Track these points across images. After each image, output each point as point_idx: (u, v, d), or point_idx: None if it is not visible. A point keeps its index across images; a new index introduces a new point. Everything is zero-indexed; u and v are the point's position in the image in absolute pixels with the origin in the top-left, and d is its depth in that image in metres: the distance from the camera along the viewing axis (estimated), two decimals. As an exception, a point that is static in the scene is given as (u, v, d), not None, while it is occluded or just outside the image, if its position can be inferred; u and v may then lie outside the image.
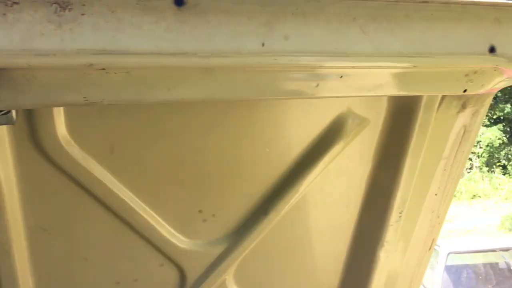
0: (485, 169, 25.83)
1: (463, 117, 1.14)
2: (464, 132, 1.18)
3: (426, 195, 1.26)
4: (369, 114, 1.08)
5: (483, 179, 25.38)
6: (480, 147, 26.64)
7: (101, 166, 0.93)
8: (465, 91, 0.89)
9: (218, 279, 1.18)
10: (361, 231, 1.26)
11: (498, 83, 0.93)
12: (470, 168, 26.88)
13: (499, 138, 25.49)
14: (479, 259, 6.99)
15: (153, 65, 0.65)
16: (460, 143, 1.19)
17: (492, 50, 0.81)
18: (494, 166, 25.41)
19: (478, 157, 26.76)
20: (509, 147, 25.29)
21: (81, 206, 0.98)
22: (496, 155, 25.80)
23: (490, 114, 19.20)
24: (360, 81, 0.82)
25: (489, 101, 1.14)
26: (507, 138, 25.01)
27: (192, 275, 1.16)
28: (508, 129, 25.24)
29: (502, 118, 25.37)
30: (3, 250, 0.94)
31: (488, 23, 0.79)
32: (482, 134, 26.60)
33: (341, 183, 1.20)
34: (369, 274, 1.32)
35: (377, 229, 1.24)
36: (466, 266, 6.78)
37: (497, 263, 6.52)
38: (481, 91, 0.92)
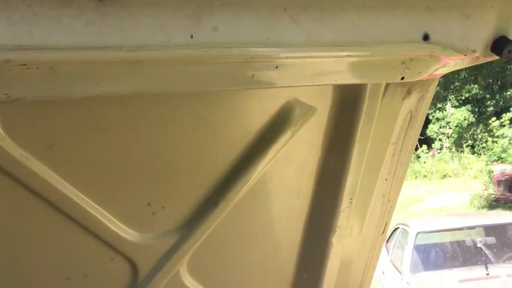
0: (455, 149, 26.47)
1: (409, 103, 1.16)
2: (410, 118, 1.20)
3: (376, 180, 1.28)
4: (315, 103, 1.08)
5: (452, 159, 26.03)
6: (450, 128, 27.24)
7: (40, 162, 0.91)
8: (402, 78, 0.90)
9: (171, 271, 1.18)
10: (313, 218, 1.28)
11: (436, 70, 0.94)
12: (440, 149, 27.48)
13: (466, 119, 26.07)
14: (447, 238, 7.18)
15: (76, 60, 0.63)
16: (407, 128, 1.21)
17: (426, 37, 0.82)
18: (463, 146, 26.04)
19: (448, 138, 27.36)
20: (476, 127, 25.91)
21: (23, 204, 0.95)
22: (465, 135, 26.43)
23: (459, 96, 19.60)
24: (296, 71, 0.82)
25: (434, 86, 1.16)
26: (475, 118, 25.60)
27: (144, 268, 1.15)
28: (476, 109, 25.81)
29: (470, 99, 25.92)
30: None
31: (420, 11, 0.80)
32: (452, 115, 27.18)
33: (291, 171, 1.20)
34: (323, 260, 1.34)
35: (328, 216, 1.26)
36: (434, 245, 6.96)
37: (464, 241, 6.71)
38: (419, 78, 0.93)
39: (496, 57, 0.90)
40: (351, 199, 1.23)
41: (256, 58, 0.75)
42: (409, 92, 1.13)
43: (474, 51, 0.88)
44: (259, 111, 1.06)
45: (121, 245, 1.09)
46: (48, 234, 1.02)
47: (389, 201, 1.35)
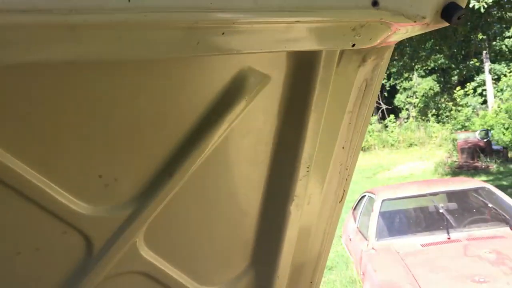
0: (421, 118, 27.05)
1: (364, 71, 1.16)
2: (366, 86, 1.20)
3: (333, 149, 1.29)
4: (270, 71, 1.06)
5: (419, 128, 26.63)
6: (416, 97, 27.75)
7: None
8: (353, 45, 0.89)
9: (127, 242, 1.16)
10: (271, 187, 1.28)
11: (388, 37, 0.94)
12: (407, 118, 28.05)
13: (432, 88, 26.57)
14: (411, 205, 7.40)
15: (2, 23, 0.59)
16: (363, 96, 1.21)
17: (375, 3, 0.81)
18: (429, 115, 26.63)
19: (414, 107, 27.89)
20: (441, 96, 26.46)
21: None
22: (430, 105, 27.00)
23: (425, 65, 19.87)
24: (244, 37, 0.79)
25: (389, 54, 1.15)
26: (440, 87, 26.13)
27: (99, 241, 1.13)
28: (442, 79, 26.32)
29: (436, 68, 26.37)
30: None
31: (370, -24, 0.78)
32: (418, 84, 27.65)
33: (248, 141, 1.19)
34: (282, 228, 1.35)
35: (286, 185, 1.26)
36: (398, 212, 7.17)
37: (427, 207, 6.93)
38: (370, 45, 0.92)
39: (446, 24, 0.90)
40: (308, 167, 1.24)
41: (200, 24, 0.72)
42: (364, 60, 1.13)
43: (423, 18, 0.87)
44: (212, 80, 1.04)
45: (72, 218, 1.06)
46: None
47: (347, 169, 1.36)
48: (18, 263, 1.08)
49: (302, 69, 1.08)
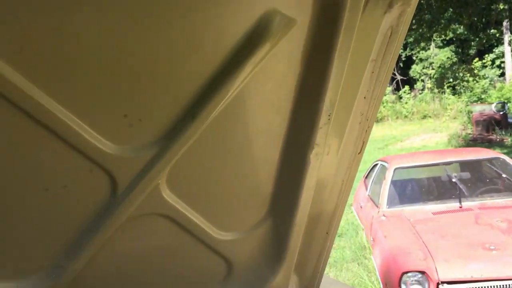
0: (436, 90, 26.68)
1: (390, 18, 1.14)
2: (391, 33, 1.19)
3: (355, 98, 1.29)
4: (295, 14, 1.06)
5: (433, 100, 26.31)
6: (432, 69, 27.29)
7: (10, 67, 0.88)
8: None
9: (150, 184, 1.19)
10: (292, 135, 1.29)
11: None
12: (422, 90, 27.67)
13: (450, 59, 26.08)
14: (423, 174, 7.39)
15: None
16: (387, 44, 1.20)
17: None
18: (445, 87, 26.24)
19: (430, 78, 27.47)
20: (458, 68, 25.98)
21: (-4, 112, 0.93)
22: (447, 76, 26.57)
23: (443, 35, 19.46)
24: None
25: (415, 1, 1.14)
26: (458, 58, 25.64)
27: (123, 181, 1.16)
28: (460, 50, 25.79)
29: (454, 39, 25.81)
30: None
31: None
32: (435, 55, 27.16)
33: (270, 87, 1.19)
34: (301, 177, 1.36)
35: (307, 133, 1.27)
36: (411, 180, 7.17)
37: (439, 177, 6.92)
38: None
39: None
40: (329, 115, 1.24)
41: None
42: (390, 6, 1.12)
43: None
44: (237, 21, 1.04)
45: (99, 157, 1.08)
46: (23, 144, 1.01)
47: (367, 120, 1.37)
48: (45, 199, 1.11)
49: (328, 14, 1.07)
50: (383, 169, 7.24)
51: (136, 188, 1.18)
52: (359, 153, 1.45)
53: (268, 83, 1.19)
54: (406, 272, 4.60)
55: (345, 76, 1.19)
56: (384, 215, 6.11)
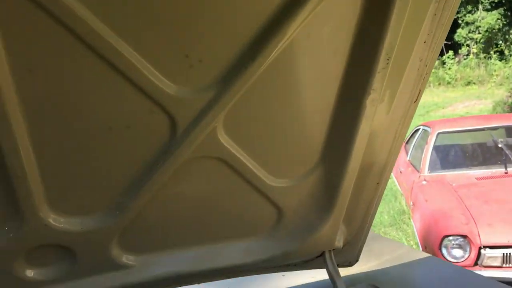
0: (482, 55, 25.60)
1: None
2: (456, -28, 1.14)
3: (415, 42, 1.25)
4: None
5: (478, 66, 25.30)
6: (479, 33, 26.13)
7: (81, 4, 0.90)
8: None
9: (208, 126, 1.21)
10: (348, 79, 1.27)
11: None
12: (467, 55, 26.61)
13: (498, 21, 24.88)
14: (467, 139, 7.21)
15: None
16: (452, -16, 1.16)
17: None
18: (491, 52, 25.15)
19: (476, 43, 26.35)
20: (507, 32, 24.77)
21: (65, 46, 0.96)
22: (494, 41, 25.41)
23: (492, -3, 18.52)
24: None
25: None
26: (507, 22, 24.42)
27: (182, 123, 1.18)
28: (509, 13, 24.52)
29: (503, 1, 24.52)
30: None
31: None
32: (482, 18, 25.93)
33: (328, 30, 1.18)
34: (355, 124, 1.35)
35: (364, 77, 1.25)
36: (454, 145, 7.01)
37: (485, 142, 6.73)
38: None
39: None
40: (388, 59, 1.22)
41: None
42: None
43: None
44: None
45: (160, 97, 1.11)
46: (90, 81, 1.04)
47: (426, 66, 1.33)
48: (109, 138, 1.15)
49: None
50: (426, 133, 7.09)
51: (194, 130, 1.20)
52: (414, 101, 1.43)
53: (326, 25, 1.17)
54: (448, 236, 4.56)
55: (406, 18, 1.16)
56: (425, 180, 6.03)
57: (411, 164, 7.16)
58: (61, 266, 1.36)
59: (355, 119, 1.35)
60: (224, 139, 1.28)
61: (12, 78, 0.96)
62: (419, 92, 1.42)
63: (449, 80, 24.92)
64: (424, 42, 1.27)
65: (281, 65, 1.19)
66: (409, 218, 6.56)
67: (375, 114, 1.36)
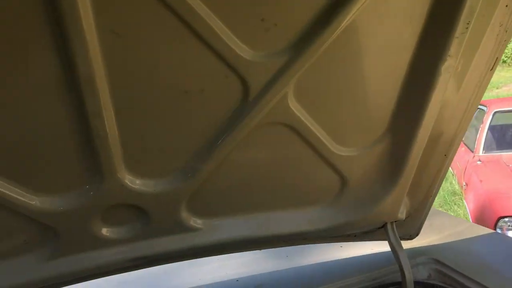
0: (542, 32, 24.23)
1: None
2: None
3: (497, 5, 1.20)
4: None
5: (537, 43, 23.99)
6: (539, 8, 24.66)
7: None
8: None
9: (279, 92, 1.21)
10: (423, 45, 1.23)
11: None
12: (525, 32, 25.22)
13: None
14: (525, 119, 6.90)
15: None
16: None
17: None
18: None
19: (536, 19, 24.91)
20: None
21: (147, 10, 0.98)
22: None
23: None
24: None
25: None
26: None
27: (254, 87, 1.18)
28: None
29: None
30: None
31: None
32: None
33: (406, -8, 1.14)
34: (428, 92, 1.32)
35: (441, 42, 1.21)
36: (510, 126, 6.73)
37: (545, 122, 6.42)
38: None
39: None
40: (468, 23, 1.17)
41: None
42: None
43: None
44: None
45: (235, 61, 1.11)
46: (169, 44, 1.06)
47: (506, 32, 1.28)
48: (185, 102, 1.17)
49: None
50: (481, 112, 6.82)
51: (266, 95, 1.21)
52: (491, 69, 1.37)
53: None
54: (503, 217, 4.42)
55: None
56: (480, 160, 5.84)
57: (465, 144, 6.93)
58: (135, 226, 1.42)
59: (428, 87, 1.31)
60: (294, 105, 1.28)
61: (98, 40, 0.99)
62: (496, 60, 1.36)
63: (505, 59, 23.77)
64: (506, 6, 1.21)
65: (355, 31, 1.17)
66: (461, 199, 6.38)
67: (448, 83, 1.32)
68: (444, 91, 1.33)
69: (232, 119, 1.24)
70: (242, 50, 1.11)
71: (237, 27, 1.07)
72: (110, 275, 1.53)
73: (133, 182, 1.28)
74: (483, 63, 1.35)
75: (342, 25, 1.12)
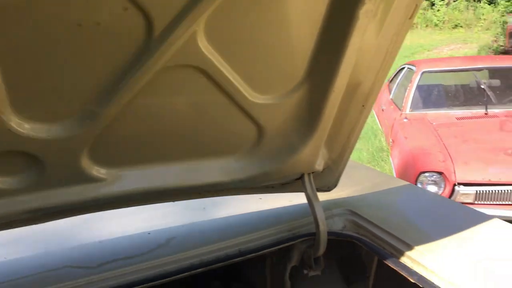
0: (472, -3, 25.18)
1: None
2: None
3: None
4: None
5: (467, 9, 24.94)
6: (471, -26, 25.53)
7: None
8: None
9: (188, 30, 1.10)
10: (341, -13, 1.17)
11: None
12: (457, -3, 26.12)
13: (492, -38, 24.31)
14: (451, 80, 7.19)
15: None
16: None
17: None
18: (482, -5, 24.73)
19: (467, -16, 25.80)
20: (500, -27, 24.28)
21: None
22: (486, -18, 24.93)
23: None
24: None
25: None
26: (501, -37, 23.83)
27: (159, 23, 1.07)
28: (504, -46, 23.84)
29: None
30: None
31: None
32: (476, -41, 25.25)
33: None
34: (345, 37, 1.27)
35: None
36: (437, 85, 7.00)
37: (467, 83, 6.73)
38: None
39: None
40: (385, -35, 1.12)
41: None
42: None
43: None
44: None
45: None
46: None
47: (425, -23, 1.23)
48: (79, 36, 1.04)
49: None
50: (410, 72, 7.03)
51: (173, 33, 1.10)
52: (409, 18, 1.34)
53: None
54: (424, 172, 4.63)
55: None
56: (406, 118, 6.04)
57: (394, 102, 7.14)
58: (29, 176, 1.29)
59: (345, 32, 1.26)
60: (204, 46, 1.18)
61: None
62: (415, 7, 1.33)
63: (437, 22, 24.60)
64: None
65: None
66: (387, 156, 6.63)
67: (366, 29, 1.27)
68: (362, 37, 1.28)
69: (135, 59, 1.13)
70: None
71: None
72: (5, 229, 1.41)
73: (21, 126, 1.15)
74: (402, 10, 1.31)
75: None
